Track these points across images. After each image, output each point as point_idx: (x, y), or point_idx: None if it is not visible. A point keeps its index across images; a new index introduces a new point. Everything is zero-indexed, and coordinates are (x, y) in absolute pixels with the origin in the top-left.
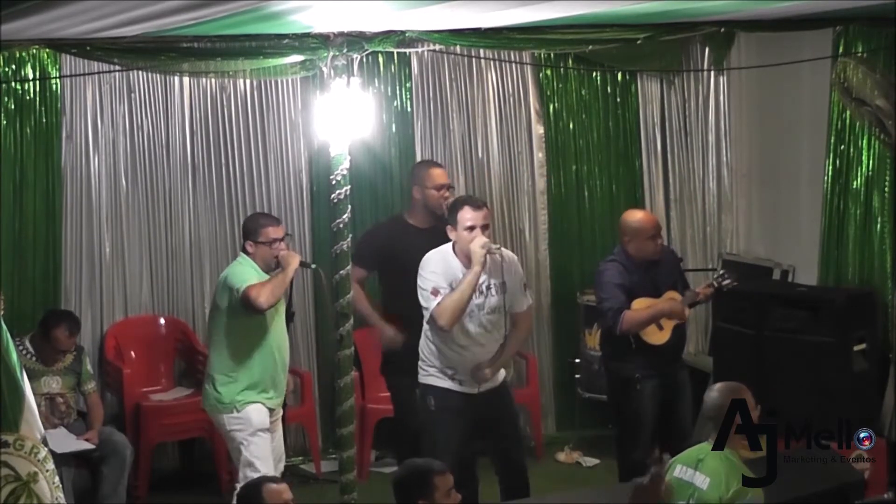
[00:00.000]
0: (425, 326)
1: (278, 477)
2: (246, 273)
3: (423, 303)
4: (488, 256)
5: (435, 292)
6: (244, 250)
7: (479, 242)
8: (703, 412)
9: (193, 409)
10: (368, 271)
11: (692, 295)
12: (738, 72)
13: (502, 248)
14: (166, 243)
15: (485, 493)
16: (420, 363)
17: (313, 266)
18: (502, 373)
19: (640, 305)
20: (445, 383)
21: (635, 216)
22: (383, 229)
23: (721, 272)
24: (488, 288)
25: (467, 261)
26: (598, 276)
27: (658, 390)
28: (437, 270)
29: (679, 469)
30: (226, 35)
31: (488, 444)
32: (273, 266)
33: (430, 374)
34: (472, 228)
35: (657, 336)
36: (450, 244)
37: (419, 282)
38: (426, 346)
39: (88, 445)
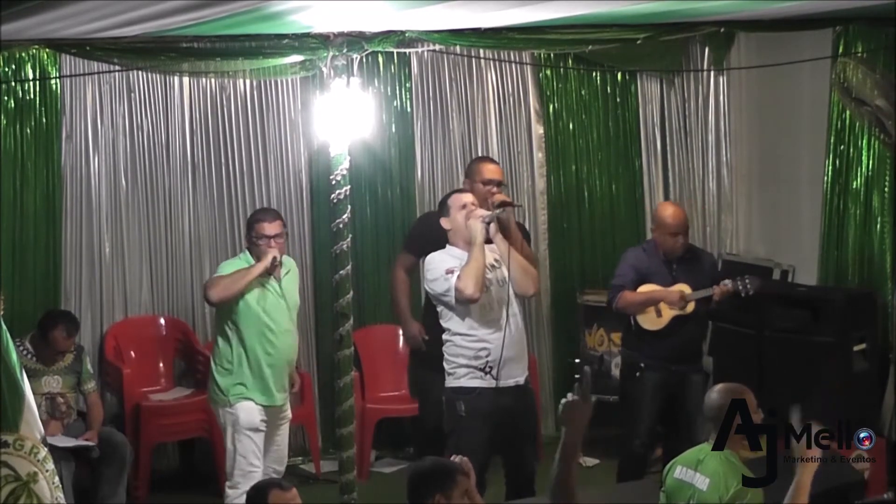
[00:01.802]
0: (448, 329)
1: (287, 483)
2: (230, 267)
3: (440, 289)
4: (489, 226)
5: (449, 271)
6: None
7: (476, 217)
8: (703, 413)
9: (193, 409)
10: (417, 259)
11: (704, 291)
12: (738, 72)
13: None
14: (166, 243)
15: (487, 493)
16: (448, 367)
17: (278, 261)
18: (526, 371)
19: (643, 289)
20: (478, 382)
21: (665, 210)
22: (436, 218)
23: (745, 277)
24: (497, 261)
25: (467, 247)
26: (622, 256)
27: (662, 384)
28: (443, 258)
29: (679, 470)
30: (226, 35)
31: (505, 440)
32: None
33: (462, 377)
34: (465, 206)
35: (654, 322)
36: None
37: (428, 278)
38: (454, 346)
39: (88, 443)
